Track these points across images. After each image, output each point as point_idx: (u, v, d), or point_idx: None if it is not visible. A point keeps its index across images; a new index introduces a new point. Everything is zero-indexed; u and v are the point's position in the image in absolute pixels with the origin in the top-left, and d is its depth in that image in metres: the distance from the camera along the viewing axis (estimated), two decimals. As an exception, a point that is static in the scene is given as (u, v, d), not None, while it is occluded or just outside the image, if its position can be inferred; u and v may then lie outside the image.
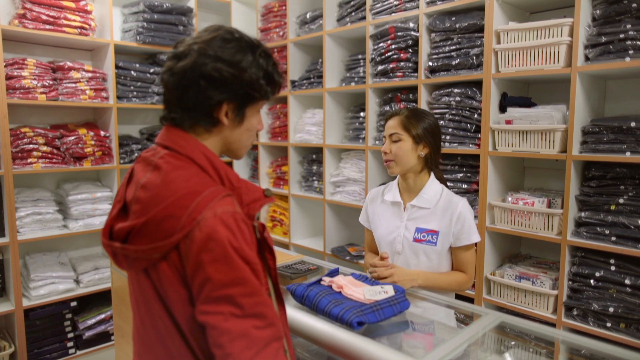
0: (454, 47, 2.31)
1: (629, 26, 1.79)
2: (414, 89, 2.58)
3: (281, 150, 3.63)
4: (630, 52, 1.79)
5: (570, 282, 1.98)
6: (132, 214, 0.89)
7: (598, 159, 1.88)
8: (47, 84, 2.78)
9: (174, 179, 0.88)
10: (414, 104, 2.54)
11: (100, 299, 3.08)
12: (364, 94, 2.79)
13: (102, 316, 2.98)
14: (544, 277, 2.06)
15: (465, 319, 1.43)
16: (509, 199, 2.17)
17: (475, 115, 2.25)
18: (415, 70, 2.51)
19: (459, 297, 1.71)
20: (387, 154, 1.61)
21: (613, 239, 1.85)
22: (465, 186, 2.30)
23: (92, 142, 2.96)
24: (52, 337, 2.86)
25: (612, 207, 1.88)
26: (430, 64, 2.39)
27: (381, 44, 2.62)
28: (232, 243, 0.82)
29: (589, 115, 2.03)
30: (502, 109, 2.20)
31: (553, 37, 1.96)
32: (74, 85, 2.88)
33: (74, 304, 2.91)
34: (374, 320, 1.18)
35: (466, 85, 2.30)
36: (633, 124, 1.80)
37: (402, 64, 2.53)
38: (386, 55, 2.58)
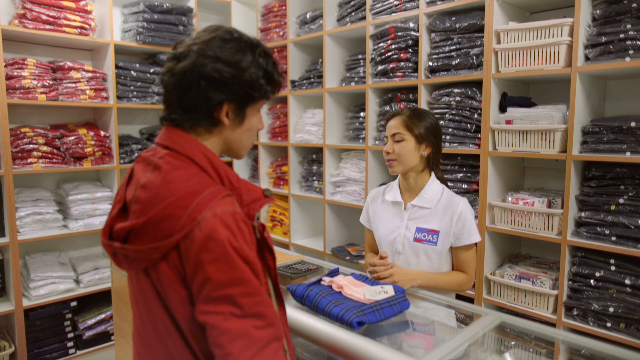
0: (454, 47, 2.31)
1: (629, 26, 1.79)
2: (414, 89, 2.58)
3: (281, 150, 3.63)
4: (630, 52, 1.79)
5: (570, 282, 1.98)
6: (132, 214, 0.89)
7: (598, 159, 1.88)
8: (47, 84, 2.78)
9: (174, 179, 0.88)
10: (414, 104, 2.54)
11: (100, 299, 3.08)
12: (364, 94, 2.79)
13: (102, 316, 2.99)
14: (544, 277, 2.06)
15: (465, 319, 1.43)
16: (509, 199, 2.17)
17: (475, 115, 2.25)
18: (415, 70, 2.51)
19: (459, 297, 1.71)
20: (390, 154, 1.61)
21: (613, 239, 1.85)
22: (465, 186, 2.30)
23: (92, 142, 2.96)
24: (52, 337, 2.86)
25: (612, 207, 1.88)
26: (430, 64, 2.39)
27: (381, 44, 2.62)
28: (232, 243, 0.82)
29: (589, 115, 2.03)
30: (502, 109, 2.20)
31: (553, 37, 1.96)
32: (74, 85, 2.88)
33: (74, 304, 2.91)
34: (374, 320, 1.18)
35: (466, 85, 2.30)
36: (633, 124, 1.80)
37: (402, 64, 2.53)
38: (386, 55, 2.58)
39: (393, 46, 2.55)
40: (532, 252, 2.44)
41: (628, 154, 1.81)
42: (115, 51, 3.04)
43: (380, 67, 2.62)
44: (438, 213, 1.60)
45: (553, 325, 2.00)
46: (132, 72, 3.12)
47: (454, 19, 2.29)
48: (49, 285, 2.80)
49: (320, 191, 3.13)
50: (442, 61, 2.35)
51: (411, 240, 1.61)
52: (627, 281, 1.81)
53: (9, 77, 2.65)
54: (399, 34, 2.52)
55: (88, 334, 2.94)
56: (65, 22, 2.80)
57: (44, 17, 2.71)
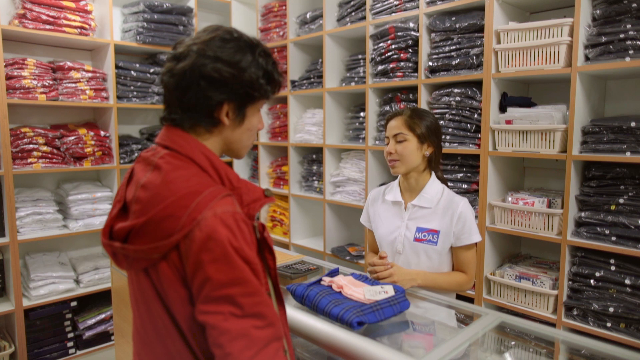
0: (454, 47, 2.31)
1: (629, 26, 1.79)
2: (414, 89, 2.58)
3: (281, 150, 3.63)
4: (630, 52, 1.79)
5: (570, 282, 1.98)
6: (132, 214, 0.90)
7: (598, 159, 1.88)
8: (47, 84, 2.78)
9: (174, 179, 0.88)
10: (414, 104, 2.54)
11: (100, 299, 3.08)
12: (364, 94, 2.79)
13: (102, 316, 2.99)
14: (544, 277, 2.06)
15: (465, 319, 1.43)
16: (509, 199, 2.17)
17: (475, 115, 2.25)
18: (415, 70, 2.51)
19: (459, 297, 1.71)
20: (393, 154, 1.60)
21: (613, 239, 1.85)
22: (465, 186, 2.30)
23: (92, 142, 2.96)
24: (52, 337, 2.86)
25: (612, 207, 1.88)
26: (430, 64, 2.39)
27: (381, 44, 2.62)
28: (232, 243, 0.82)
29: (589, 115, 2.03)
30: (502, 109, 2.20)
31: (553, 37, 1.96)
32: (74, 85, 2.88)
33: (74, 304, 2.91)
34: (374, 320, 1.18)
35: (466, 85, 2.30)
36: (633, 124, 1.80)
37: (402, 64, 2.53)
38: (386, 55, 2.58)
39: (393, 46, 2.55)
40: (532, 252, 2.44)
41: (628, 154, 1.81)
42: (115, 51, 3.04)
43: (380, 67, 2.62)
44: (438, 213, 1.60)
45: (553, 325, 2.00)
46: (132, 72, 3.12)
47: (454, 19, 2.29)
48: (49, 285, 2.80)
49: (320, 191, 3.13)
50: (442, 61, 2.35)
51: (411, 240, 1.61)
52: (627, 281, 1.81)
53: (9, 77, 2.65)
54: (399, 34, 2.52)
55: (88, 334, 2.95)
56: (65, 22, 2.80)
57: (44, 17, 2.71)
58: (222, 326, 0.81)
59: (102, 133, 3.01)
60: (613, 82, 2.13)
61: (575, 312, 1.95)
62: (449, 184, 1.92)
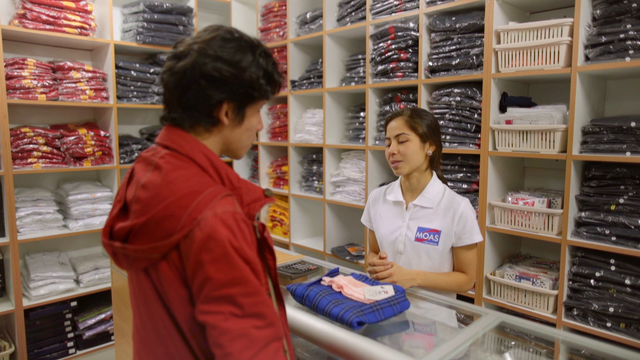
0: (454, 47, 2.31)
1: (629, 26, 1.79)
2: (414, 89, 2.58)
3: (281, 150, 3.63)
4: (630, 52, 1.79)
5: (570, 282, 1.98)
6: (132, 214, 0.90)
7: (598, 159, 1.88)
8: (47, 84, 2.78)
9: (174, 179, 0.88)
10: (414, 104, 2.54)
11: (100, 299, 3.08)
12: (364, 94, 2.79)
13: (102, 316, 2.99)
14: (544, 277, 2.06)
15: (465, 319, 1.43)
16: (509, 199, 2.17)
17: (475, 115, 2.25)
18: (415, 70, 2.51)
19: (459, 297, 1.71)
20: (395, 155, 1.60)
21: (613, 239, 1.85)
22: (465, 186, 2.30)
23: (92, 142, 2.96)
24: (52, 337, 2.86)
25: (612, 207, 1.88)
26: (430, 64, 2.39)
27: (381, 44, 2.62)
28: (232, 243, 0.82)
29: (589, 115, 2.03)
30: (502, 109, 2.20)
31: (553, 37, 1.96)
32: (74, 85, 2.88)
33: (74, 304, 2.91)
34: (374, 320, 1.18)
35: (466, 85, 2.30)
36: (633, 124, 1.80)
37: (402, 64, 2.53)
38: (386, 55, 2.58)
39: (393, 46, 2.55)
40: (532, 252, 2.44)
41: (628, 154, 1.81)
42: (115, 51, 3.04)
43: (380, 67, 2.62)
44: (440, 213, 1.60)
45: (553, 325, 2.00)
46: (132, 72, 3.12)
47: (454, 19, 2.29)
48: (49, 285, 2.80)
49: (320, 191, 3.13)
50: (442, 61, 2.35)
51: (413, 240, 1.61)
52: (627, 281, 1.81)
53: (9, 77, 2.65)
54: (399, 34, 2.52)
55: (88, 334, 2.94)
56: (65, 22, 2.80)
57: (44, 17, 2.71)
58: (222, 326, 0.81)
59: (102, 133, 3.01)
60: (613, 82, 2.13)
61: (575, 312, 1.95)
62: (448, 184, 1.92)
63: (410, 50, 2.52)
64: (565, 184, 1.96)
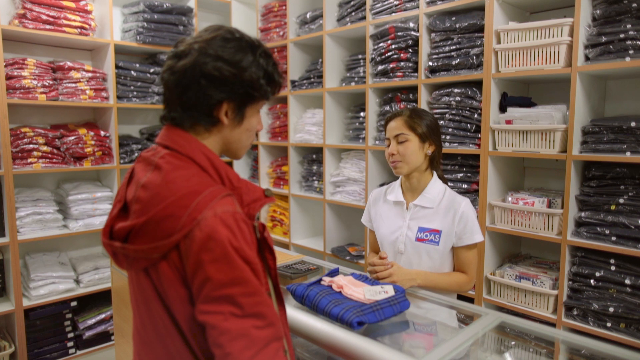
0: (454, 47, 2.31)
1: (629, 26, 1.79)
2: (414, 89, 2.58)
3: (281, 150, 3.63)
4: (630, 52, 1.79)
5: (570, 282, 1.98)
6: (132, 214, 0.90)
7: (598, 159, 1.88)
8: (47, 84, 2.78)
9: (174, 179, 0.88)
10: (414, 104, 2.54)
11: (100, 299, 3.08)
12: (364, 94, 2.79)
13: (102, 316, 2.99)
14: (544, 277, 2.06)
15: (465, 319, 1.43)
16: (509, 199, 2.17)
17: (475, 115, 2.25)
18: (415, 70, 2.51)
19: (459, 297, 1.71)
20: (395, 155, 1.60)
21: (613, 239, 1.85)
22: (465, 186, 2.30)
23: (92, 142, 2.96)
24: (52, 337, 2.86)
25: (612, 207, 1.88)
26: (430, 63, 2.39)
27: (381, 44, 2.62)
28: (232, 243, 0.82)
29: (589, 115, 2.03)
30: (502, 109, 2.20)
31: (553, 37, 1.96)
32: (74, 85, 2.88)
33: (74, 304, 2.91)
34: (374, 320, 1.18)
35: (466, 85, 2.30)
36: (633, 124, 1.80)
37: (402, 63, 2.53)
38: (386, 55, 2.58)
39: (393, 46, 2.55)
40: (532, 252, 2.44)
41: (628, 154, 1.81)
42: (115, 51, 3.04)
43: (380, 67, 2.62)
44: (440, 213, 1.60)
45: (553, 325, 2.00)
46: (132, 72, 3.12)
47: (454, 19, 2.29)
48: (49, 285, 2.80)
49: (320, 191, 3.13)
50: (442, 61, 2.35)
51: (413, 240, 1.61)
52: (627, 281, 1.81)
53: (9, 77, 2.65)
54: (399, 34, 2.52)
55: (88, 333, 2.95)
56: (65, 22, 2.80)
57: (44, 17, 2.71)
58: (222, 326, 0.81)
59: (102, 133, 3.01)
60: (613, 82, 2.13)
61: (575, 312, 1.95)
62: (449, 184, 1.92)
63: (410, 50, 2.52)
64: (565, 184, 1.96)
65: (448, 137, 2.34)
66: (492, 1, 2.12)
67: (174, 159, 0.91)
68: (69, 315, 2.91)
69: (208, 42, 0.91)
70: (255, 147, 3.72)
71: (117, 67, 3.06)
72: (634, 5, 1.79)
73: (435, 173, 1.67)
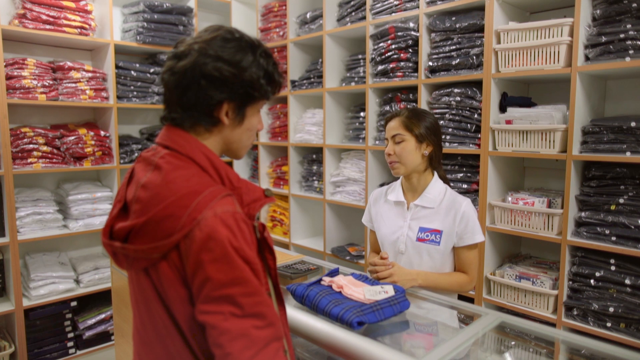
0: (454, 47, 2.31)
1: (629, 26, 1.79)
2: (414, 89, 2.58)
3: (281, 150, 3.63)
4: (631, 52, 1.79)
5: (570, 282, 1.98)
6: (132, 214, 0.90)
7: (598, 159, 1.88)
8: (47, 84, 2.78)
9: (174, 179, 0.88)
10: (414, 104, 2.54)
11: (100, 299, 3.08)
12: (364, 94, 2.79)
13: (102, 316, 2.99)
14: (544, 277, 2.06)
15: (465, 319, 1.43)
16: (509, 199, 2.17)
17: (476, 115, 2.25)
18: (416, 70, 2.51)
19: (459, 297, 1.71)
20: (391, 156, 1.60)
21: (613, 239, 1.85)
22: (465, 186, 2.30)
23: (92, 142, 2.96)
24: (52, 337, 2.86)
25: (612, 207, 1.88)
26: (430, 64, 2.39)
27: (381, 44, 2.62)
28: (232, 243, 0.82)
29: (589, 115, 2.03)
30: (502, 109, 2.20)
31: (553, 37, 1.96)
32: (74, 85, 2.88)
33: (74, 304, 2.91)
34: (374, 320, 1.18)
35: (466, 85, 2.30)
36: (633, 124, 1.80)
37: (402, 63, 2.53)
38: (386, 55, 2.58)
39: (393, 46, 2.55)
40: (532, 252, 2.44)
41: (628, 154, 1.81)
42: (115, 51, 3.04)
43: (380, 67, 2.62)
44: (441, 213, 1.60)
45: (553, 325, 2.00)
46: (132, 72, 3.12)
47: (454, 19, 2.29)
48: (49, 285, 2.80)
49: (320, 191, 3.13)
50: (442, 61, 2.35)
51: (414, 240, 1.61)
52: (627, 281, 1.81)
53: (9, 77, 2.65)
54: (399, 34, 2.52)
55: (88, 333, 2.95)
56: (65, 22, 2.80)
57: (44, 17, 2.71)
58: (222, 326, 0.81)
59: (102, 133, 3.01)
60: (613, 82, 2.13)
61: (575, 312, 1.95)
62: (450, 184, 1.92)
63: (410, 50, 2.52)
64: (565, 184, 1.96)
65: (448, 137, 2.34)
66: (492, 1, 2.12)
67: (174, 159, 0.91)
68: (69, 315, 2.91)
69: (208, 42, 0.91)
70: (255, 147, 3.72)
71: (117, 67, 3.06)
72: (634, 5, 1.79)
73: (436, 173, 1.67)
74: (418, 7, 2.43)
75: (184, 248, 0.83)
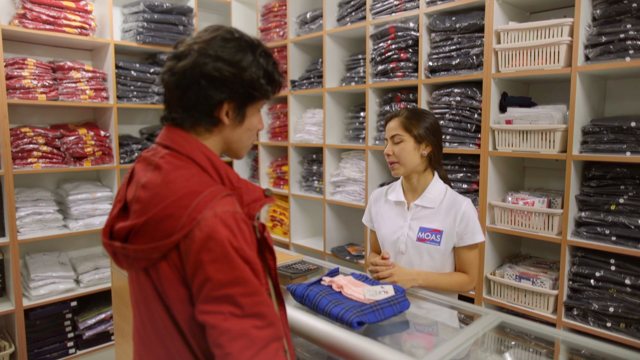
0: (454, 47, 2.31)
1: (629, 26, 1.79)
2: (414, 89, 2.58)
3: (281, 150, 3.63)
4: (630, 52, 1.79)
5: (570, 282, 1.98)
6: (132, 214, 0.90)
7: (598, 159, 1.88)
8: (47, 84, 2.78)
9: (174, 179, 0.88)
10: (414, 104, 2.54)
11: (100, 299, 3.08)
12: (364, 94, 2.79)
13: (102, 316, 2.99)
14: (544, 277, 2.06)
15: (465, 319, 1.43)
16: (509, 198, 2.17)
17: (476, 115, 2.25)
18: (416, 70, 2.51)
19: (459, 297, 1.71)
20: (390, 156, 1.61)
21: (613, 238, 1.85)
22: (465, 186, 2.30)
23: (92, 142, 2.96)
24: (52, 337, 2.86)
25: (612, 207, 1.88)
26: (431, 63, 2.39)
27: (381, 44, 2.62)
28: (232, 243, 0.82)
29: (589, 115, 2.03)
30: (502, 108, 2.20)
31: (553, 37, 1.96)
32: (74, 85, 2.88)
33: (74, 303, 2.91)
34: (374, 320, 1.18)
35: (466, 85, 2.30)
36: (633, 124, 1.80)
37: (402, 63, 2.53)
38: (386, 55, 2.58)
39: (393, 46, 2.55)
40: (532, 252, 2.44)
41: (628, 154, 1.81)
42: (115, 51, 3.04)
43: (380, 67, 2.62)
44: (441, 213, 1.60)
45: (553, 325, 2.00)
46: (132, 72, 3.12)
47: (454, 18, 2.29)
48: (49, 285, 2.80)
49: (320, 191, 3.13)
50: (442, 61, 2.35)
51: (414, 240, 1.61)
52: (627, 281, 1.81)
53: (9, 77, 2.65)
54: (399, 34, 2.52)
55: (88, 333, 2.94)
56: (65, 22, 2.80)
57: (44, 17, 2.71)
58: (222, 326, 0.81)
59: (102, 133, 3.01)
60: (613, 82, 2.13)
61: (575, 312, 1.95)
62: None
63: (410, 50, 2.52)
64: (565, 184, 1.96)
65: (448, 137, 2.34)
66: (492, 1, 2.12)
67: (174, 159, 0.91)
68: (69, 315, 2.91)
69: (208, 42, 0.91)
70: (255, 147, 3.72)
71: (117, 67, 3.06)
72: (634, 5, 1.79)
73: (436, 173, 1.67)
74: (418, 7, 2.43)
75: (184, 248, 0.83)
